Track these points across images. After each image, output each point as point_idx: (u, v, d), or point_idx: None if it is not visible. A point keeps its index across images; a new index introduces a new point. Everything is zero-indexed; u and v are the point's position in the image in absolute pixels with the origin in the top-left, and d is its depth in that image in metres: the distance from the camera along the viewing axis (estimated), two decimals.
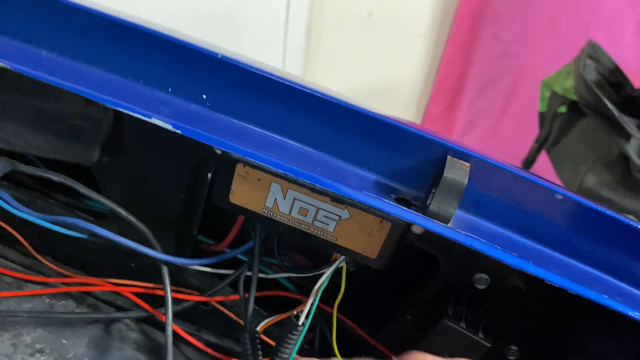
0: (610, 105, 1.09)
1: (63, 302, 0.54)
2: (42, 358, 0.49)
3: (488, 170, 0.37)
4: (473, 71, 1.96)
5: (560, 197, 0.37)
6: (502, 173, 0.37)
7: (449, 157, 0.37)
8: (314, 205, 0.40)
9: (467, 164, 0.36)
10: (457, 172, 0.36)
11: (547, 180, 0.38)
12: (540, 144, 1.39)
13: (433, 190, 0.37)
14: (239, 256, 0.52)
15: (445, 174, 0.35)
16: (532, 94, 1.52)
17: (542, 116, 1.43)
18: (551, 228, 0.38)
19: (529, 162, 1.44)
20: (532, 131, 1.49)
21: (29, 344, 0.49)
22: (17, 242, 0.55)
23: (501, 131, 1.93)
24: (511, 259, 0.36)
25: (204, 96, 0.40)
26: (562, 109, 1.31)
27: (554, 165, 1.35)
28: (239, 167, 0.39)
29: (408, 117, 2.14)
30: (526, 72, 1.76)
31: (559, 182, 1.32)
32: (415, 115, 2.19)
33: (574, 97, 1.24)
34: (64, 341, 0.51)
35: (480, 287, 0.44)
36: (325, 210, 0.40)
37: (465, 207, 0.39)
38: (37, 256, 0.55)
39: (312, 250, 0.56)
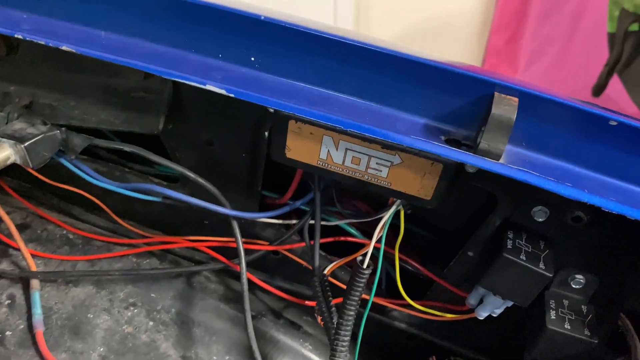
0: None
1: (147, 260, 0.59)
2: (135, 310, 0.55)
3: (537, 103, 0.37)
4: None
5: (614, 123, 0.36)
6: (552, 104, 0.37)
7: (496, 93, 0.37)
8: (365, 154, 0.41)
9: (516, 99, 0.36)
10: (505, 107, 0.36)
11: (600, 107, 0.37)
12: (611, 67, 1.30)
13: (482, 129, 0.37)
14: (302, 207, 0.54)
15: (493, 111, 0.35)
16: (600, 15, 1.42)
17: (611, 37, 1.33)
18: (606, 155, 0.38)
19: (599, 88, 1.35)
20: (602, 55, 1.39)
21: (123, 299, 0.55)
22: (102, 210, 0.60)
23: (569, 58, 1.82)
24: (565, 190, 0.36)
25: (252, 58, 0.42)
26: (634, 27, 1.22)
27: (627, 89, 1.27)
28: (292, 124, 0.41)
29: (469, 52, 2.06)
30: None
31: (633, 106, 1.25)
32: (477, 50, 2.08)
33: None
34: (152, 295, 0.56)
35: (540, 219, 0.44)
36: (376, 157, 0.41)
37: (517, 142, 0.39)
38: (120, 221, 0.60)
39: (372, 196, 0.57)
